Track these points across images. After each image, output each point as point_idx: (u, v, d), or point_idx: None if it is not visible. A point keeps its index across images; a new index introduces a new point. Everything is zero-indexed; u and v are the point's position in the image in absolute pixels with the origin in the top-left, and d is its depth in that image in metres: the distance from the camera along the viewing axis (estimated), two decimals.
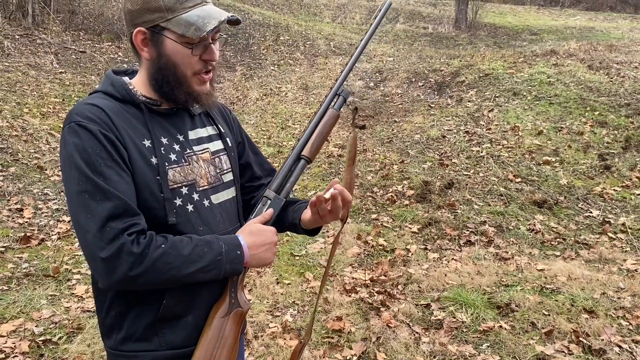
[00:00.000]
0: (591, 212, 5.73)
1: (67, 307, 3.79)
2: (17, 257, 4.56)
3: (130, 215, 1.21)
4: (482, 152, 7.14)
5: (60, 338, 3.40)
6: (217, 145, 1.51)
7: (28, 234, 4.93)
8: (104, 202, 1.19)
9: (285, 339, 3.46)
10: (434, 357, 3.29)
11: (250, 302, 3.95)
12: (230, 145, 1.55)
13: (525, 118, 8.11)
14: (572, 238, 5.17)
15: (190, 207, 1.35)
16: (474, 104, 8.66)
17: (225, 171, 1.50)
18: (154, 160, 1.31)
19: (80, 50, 11.24)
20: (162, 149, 1.33)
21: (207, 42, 1.35)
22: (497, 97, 8.74)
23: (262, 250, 1.38)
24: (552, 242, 5.10)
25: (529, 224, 5.44)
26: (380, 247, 4.95)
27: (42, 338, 3.37)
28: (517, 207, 5.79)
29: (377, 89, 10.17)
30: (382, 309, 3.85)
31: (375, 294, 4.07)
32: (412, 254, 4.82)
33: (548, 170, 6.67)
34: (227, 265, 1.30)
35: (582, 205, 5.92)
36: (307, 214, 1.48)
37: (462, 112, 8.44)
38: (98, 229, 1.17)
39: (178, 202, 1.33)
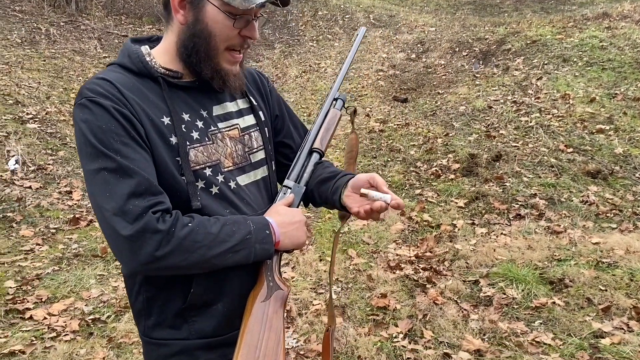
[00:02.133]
0: None
1: (115, 287, 3.85)
2: (67, 238, 4.67)
3: (154, 194, 1.13)
4: (530, 122, 6.85)
5: (108, 317, 3.46)
6: (249, 120, 1.41)
7: (77, 216, 5.04)
8: (125, 179, 1.11)
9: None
10: (484, 334, 3.18)
11: (293, 280, 3.92)
12: (263, 119, 1.46)
13: (576, 85, 7.73)
14: (630, 209, 4.90)
15: (214, 190, 1.27)
16: (521, 72, 8.31)
17: (255, 149, 1.40)
18: (173, 139, 1.21)
19: (123, 34, 11.37)
20: (182, 126, 1.24)
21: (250, 17, 1.25)
22: (546, 64, 8.35)
23: (293, 229, 1.31)
24: (607, 214, 4.86)
25: (582, 196, 5.19)
26: (425, 222, 4.82)
27: (91, 317, 3.43)
28: (569, 179, 5.53)
29: (419, 61, 9.89)
30: (428, 285, 3.75)
31: (420, 270, 3.97)
32: (458, 230, 4.67)
33: (602, 139, 6.34)
34: (257, 245, 1.22)
35: (639, 174, 5.61)
36: (350, 200, 1.37)
37: (509, 82, 8.11)
38: (120, 207, 1.09)
39: (201, 184, 1.25)
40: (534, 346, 3.02)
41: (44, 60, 9.09)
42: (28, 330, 3.24)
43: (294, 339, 3.21)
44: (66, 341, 3.13)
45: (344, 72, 1.60)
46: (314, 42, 11.93)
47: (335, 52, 11.12)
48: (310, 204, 1.57)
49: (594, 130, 6.54)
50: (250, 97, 1.44)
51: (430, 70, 9.50)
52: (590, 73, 7.92)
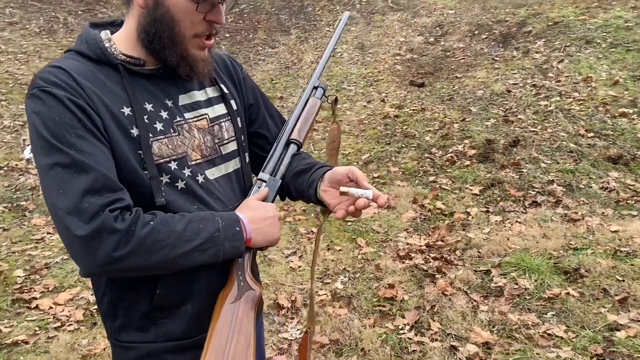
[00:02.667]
0: None
1: None
2: None
3: (112, 190, 1.06)
4: (550, 106, 6.65)
5: None
6: (219, 110, 1.32)
7: None
8: (80, 175, 1.03)
9: (334, 306, 3.35)
10: (493, 326, 3.08)
11: (300, 269, 3.86)
12: (235, 109, 1.37)
13: (599, 68, 7.47)
14: None
15: (180, 185, 1.19)
16: (542, 55, 8.07)
17: (225, 141, 1.32)
18: (134, 131, 1.13)
19: None
20: (145, 117, 1.15)
21: (215, 0, 1.16)
22: (568, 46, 8.09)
23: (266, 225, 1.23)
24: (628, 201, 4.68)
25: (602, 182, 5.01)
26: (437, 210, 4.71)
27: (95, 307, 3.43)
28: (589, 164, 5.35)
29: (437, 44, 9.68)
30: (437, 275, 3.66)
31: (430, 260, 3.88)
32: (472, 217, 4.56)
33: (624, 123, 6.12)
34: (226, 243, 1.15)
35: None
36: (328, 195, 1.31)
37: (529, 65, 7.88)
38: (74, 206, 1.02)
39: (165, 179, 1.17)
40: (544, 339, 2.92)
41: (61, 49, 9.14)
42: (33, 320, 3.25)
43: (298, 329, 3.16)
44: (70, 331, 3.12)
45: (325, 60, 1.52)
46: (331, 27, 11.77)
47: (352, 36, 10.95)
48: (286, 198, 1.49)
49: (616, 114, 6.31)
50: (221, 85, 1.35)
51: (448, 54, 9.30)
52: (614, 55, 7.64)
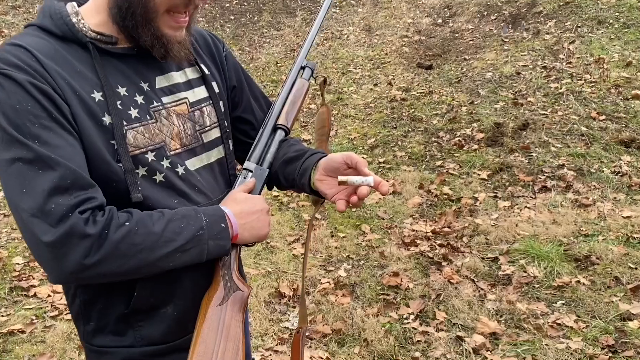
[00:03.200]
0: None
1: None
2: None
3: (82, 188, 0.94)
4: (561, 88, 6.48)
5: None
6: (200, 93, 1.20)
7: None
8: (46, 171, 0.91)
9: (337, 295, 3.27)
10: (500, 316, 2.99)
11: (302, 256, 3.77)
12: (217, 91, 1.25)
13: (611, 49, 7.28)
14: None
15: (159, 178, 1.08)
16: (552, 36, 7.87)
17: (207, 128, 1.20)
18: (106, 118, 1.01)
19: None
20: (118, 102, 1.03)
21: None
22: (579, 27, 7.88)
23: (254, 219, 1.13)
24: None
25: (614, 166, 4.88)
26: (444, 196, 4.60)
27: None
28: (601, 148, 5.21)
29: (445, 26, 9.48)
30: (443, 263, 3.56)
31: (437, 247, 3.78)
32: (480, 203, 4.45)
33: (638, 106, 5.95)
34: (211, 241, 1.04)
35: None
36: (324, 185, 1.19)
37: (539, 46, 7.69)
38: (39, 207, 0.90)
39: (142, 172, 1.05)
40: (554, 329, 2.83)
41: None
42: (31, 308, 3.19)
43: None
44: (67, 320, 3.06)
45: (312, 37, 1.40)
46: (337, 8, 11.57)
47: (358, 18, 10.76)
48: (274, 187, 1.38)
49: (629, 96, 6.14)
50: (202, 65, 1.23)
51: (456, 35, 9.11)
52: (627, 35, 7.44)
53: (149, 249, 0.97)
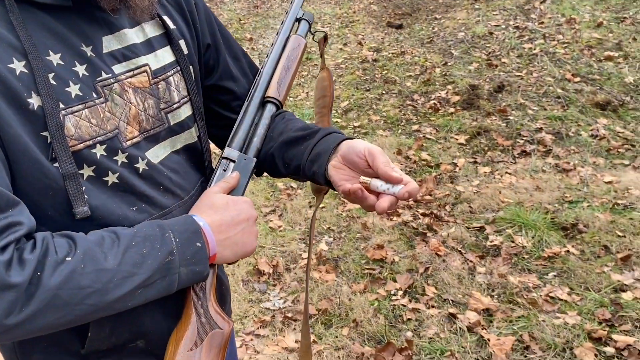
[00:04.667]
0: None
1: None
2: None
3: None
4: (534, 49, 6.36)
5: None
6: (164, 57, 0.90)
7: None
8: None
9: (320, 271, 3.08)
10: (492, 290, 2.87)
11: (280, 230, 3.56)
12: (187, 53, 0.95)
13: (582, 9, 7.20)
14: None
15: (112, 179, 0.79)
16: None
17: (175, 105, 0.90)
18: (33, 100, 0.71)
19: None
20: (50, 76, 0.73)
21: None
22: None
23: (238, 232, 0.86)
24: (619, 150, 4.49)
25: (592, 129, 4.80)
26: (423, 162, 4.44)
27: None
28: (577, 111, 5.12)
29: None
30: (428, 234, 3.41)
31: (420, 216, 3.62)
32: (459, 169, 4.30)
33: (611, 67, 5.89)
34: (183, 268, 0.78)
35: None
36: (339, 174, 0.91)
37: (510, 5, 7.53)
38: None
39: (88, 172, 0.77)
40: (549, 303, 2.72)
41: None
42: None
43: (281, 298, 2.89)
44: None
45: None
46: None
47: None
48: (264, 173, 1.10)
49: (602, 58, 6.08)
50: (165, 18, 0.91)
51: None
52: None
53: (101, 291, 0.70)
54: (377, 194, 0.87)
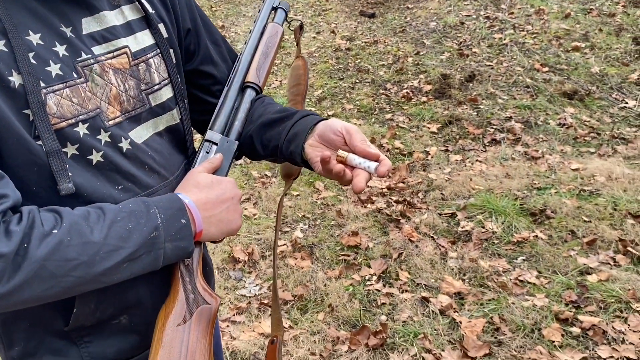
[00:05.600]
0: (627, 103, 5.18)
1: None
2: None
3: None
4: (505, 39, 6.46)
5: None
6: (143, 39, 0.92)
7: None
8: None
9: (296, 258, 3.11)
10: (464, 274, 2.94)
11: (255, 217, 3.57)
12: (167, 36, 0.97)
13: (550, 0, 7.34)
14: (608, 132, 4.67)
15: (96, 157, 0.81)
16: None
17: (157, 86, 0.92)
18: (14, 78, 0.73)
19: None
20: (31, 55, 0.75)
21: None
22: None
23: (223, 209, 0.88)
24: (585, 138, 4.61)
25: (559, 118, 4.92)
26: (396, 150, 4.49)
27: None
28: (546, 100, 5.24)
29: None
30: (402, 220, 3.47)
31: (393, 203, 3.67)
32: (432, 157, 4.37)
33: (578, 57, 6.03)
34: (168, 244, 0.80)
35: (616, 95, 5.36)
36: (316, 152, 0.93)
37: None
38: None
39: (72, 150, 0.78)
40: (518, 286, 2.80)
41: None
42: None
43: (257, 285, 2.91)
44: None
45: None
46: None
47: None
48: (243, 157, 1.13)
49: (569, 48, 6.21)
50: (143, 1, 0.93)
51: None
52: None
53: (87, 263, 0.72)
54: (352, 170, 0.89)
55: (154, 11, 0.96)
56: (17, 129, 0.72)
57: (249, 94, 1.04)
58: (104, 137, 0.82)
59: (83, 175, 0.80)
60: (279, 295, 1.13)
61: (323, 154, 0.87)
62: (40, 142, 0.74)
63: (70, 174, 0.77)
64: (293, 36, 1.21)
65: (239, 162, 4.45)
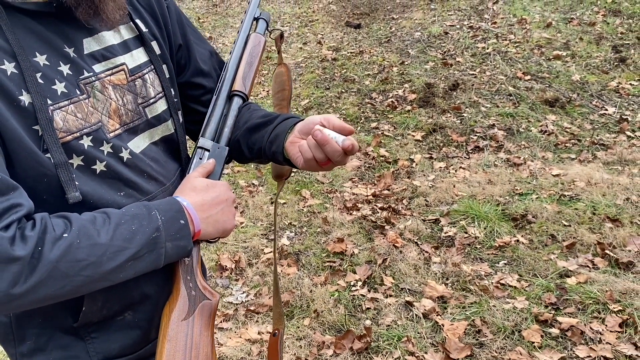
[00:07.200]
0: (607, 110, 5.30)
1: None
2: None
3: (0, 193, 0.74)
4: (487, 48, 6.58)
5: None
6: (139, 56, 0.99)
7: None
8: None
9: (282, 265, 3.16)
10: (447, 278, 3.00)
11: (242, 226, 3.62)
12: (159, 53, 1.03)
13: (532, 9, 7.48)
14: (588, 139, 4.77)
15: (100, 167, 0.88)
16: None
17: (152, 100, 0.99)
18: (24, 97, 0.79)
19: None
20: (38, 75, 0.82)
21: None
22: None
23: (218, 211, 0.95)
24: (566, 144, 4.72)
25: (541, 125, 5.03)
26: (381, 158, 4.57)
27: None
28: (528, 107, 5.35)
29: None
30: (386, 227, 3.53)
31: (378, 210, 3.74)
32: (416, 165, 4.44)
33: (559, 66, 6.16)
34: (169, 243, 0.87)
35: (596, 102, 5.48)
36: (295, 148, 0.99)
37: (464, 5, 7.76)
38: None
39: (77, 161, 0.85)
40: (499, 290, 2.87)
41: None
42: None
43: (244, 292, 2.95)
44: None
45: None
46: None
47: None
48: (232, 160, 1.20)
49: (550, 57, 6.34)
50: (137, 22, 1.00)
51: None
52: None
53: (96, 263, 0.79)
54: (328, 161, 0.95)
55: (147, 30, 1.02)
56: (27, 143, 0.79)
57: (237, 101, 1.12)
58: (106, 148, 0.89)
59: (88, 184, 0.86)
60: (279, 297, 1.19)
61: (303, 162, 0.96)
62: (49, 155, 0.81)
63: (77, 183, 0.84)
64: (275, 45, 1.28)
65: (226, 171, 4.50)
